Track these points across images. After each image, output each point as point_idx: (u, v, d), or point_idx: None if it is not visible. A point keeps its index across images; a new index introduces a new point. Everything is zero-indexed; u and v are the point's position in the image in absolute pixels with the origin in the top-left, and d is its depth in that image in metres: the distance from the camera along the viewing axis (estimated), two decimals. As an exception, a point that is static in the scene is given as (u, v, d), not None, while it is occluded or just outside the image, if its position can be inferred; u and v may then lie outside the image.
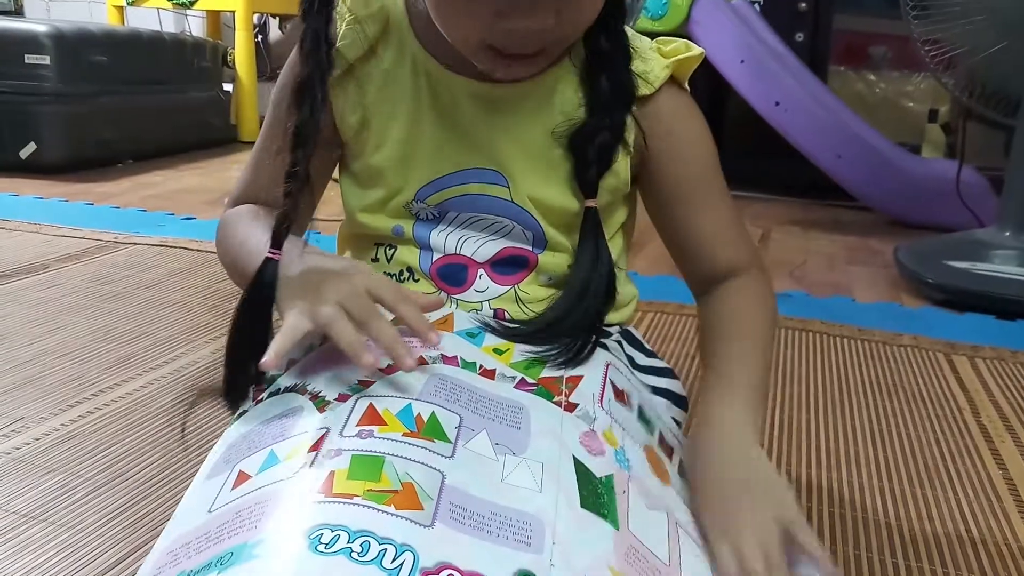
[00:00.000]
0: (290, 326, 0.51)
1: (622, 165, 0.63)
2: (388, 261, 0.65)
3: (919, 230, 1.91)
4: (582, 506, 0.46)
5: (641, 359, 0.70)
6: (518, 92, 0.61)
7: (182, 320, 1.14)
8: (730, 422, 0.57)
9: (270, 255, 0.56)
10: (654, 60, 0.63)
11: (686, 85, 0.65)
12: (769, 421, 0.91)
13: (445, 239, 0.63)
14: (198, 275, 1.35)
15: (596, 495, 0.47)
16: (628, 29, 0.63)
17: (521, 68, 0.56)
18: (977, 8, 1.42)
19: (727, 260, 0.67)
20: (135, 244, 1.52)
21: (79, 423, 0.83)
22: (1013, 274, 1.41)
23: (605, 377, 0.58)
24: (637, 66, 0.62)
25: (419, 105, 0.62)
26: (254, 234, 0.61)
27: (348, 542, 0.38)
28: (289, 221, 0.56)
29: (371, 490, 0.41)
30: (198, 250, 1.49)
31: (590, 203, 0.62)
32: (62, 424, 0.83)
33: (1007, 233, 1.50)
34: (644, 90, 0.62)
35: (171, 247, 1.51)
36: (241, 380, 0.56)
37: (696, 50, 0.64)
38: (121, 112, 2.34)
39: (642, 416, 0.59)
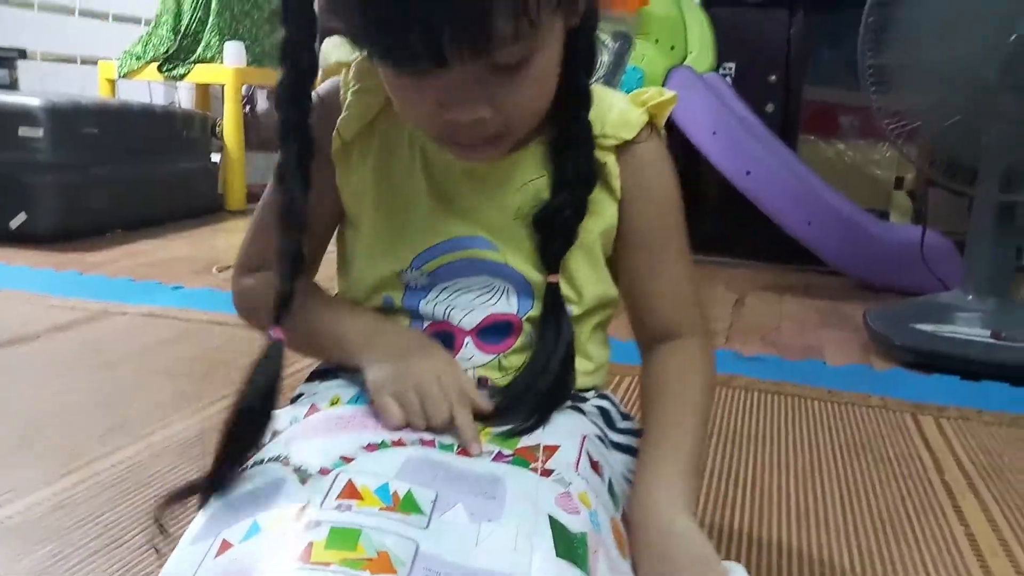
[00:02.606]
0: (384, 409, 0.59)
1: (610, 210, 0.66)
2: None
3: (888, 293, 1.97)
4: (558, 556, 0.48)
5: (619, 422, 0.73)
6: (501, 170, 0.64)
7: (171, 389, 1.16)
8: (656, 498, 0.59)
9: (274, 335, 0.57)
10: (630, 109, 0.66)
11: (663, 132, 0.68)
12: (742, 483, 0.95)
13: (433, 308, 0.65)
14: (187, 344, 1.38)
15: (572, 547, 0.50)
16: (603, 87, 0.66)
17: (477, 154, 0.58)
18: (933, 83, 1.51)
19: (672, 318, 0.69)
20: (124, 314, 1.55)
21: (71, 491, 0.85)
22: (976, 336, 1.47)
23: (582, 448, 0.60)
24: (616, 117, 0.65)
25: (414, 177, 0.64)
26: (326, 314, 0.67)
27: None
28: (286, 301, 0.58)
29: (347, 559, 0.44)
30: (187, 319, 1.52)
31: (552, 279, 0.64)
32: (54, 493, 0.85)
33: (970, 296, 1.56)
34: (624, 136, 0.64)
35: (160, 316, 1.54)
36: (232, 465, 0.55)
37: (669, 94, 0.67)
38: (112, 182, 2.39)
39: (611, 490, 0.61)
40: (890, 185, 2.54)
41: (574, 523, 0.51)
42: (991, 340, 1.46)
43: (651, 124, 0.67)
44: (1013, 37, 1.33)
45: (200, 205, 2.81)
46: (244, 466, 0.56)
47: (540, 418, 0.61)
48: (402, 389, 0.60)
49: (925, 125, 1.54)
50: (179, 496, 0.55)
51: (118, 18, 3.26)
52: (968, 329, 1.49)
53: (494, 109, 0.53)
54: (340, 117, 0.64)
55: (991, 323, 1.49)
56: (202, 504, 0.53)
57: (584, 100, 0.62)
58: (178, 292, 1.75)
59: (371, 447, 0.54)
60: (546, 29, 0.52)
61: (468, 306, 0.65)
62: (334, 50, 0.63)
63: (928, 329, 1.51)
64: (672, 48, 2.19)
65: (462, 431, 0.58)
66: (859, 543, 0.82)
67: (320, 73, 0.61)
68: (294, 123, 0.58)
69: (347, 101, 0.64)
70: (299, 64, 0.57)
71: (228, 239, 2.49)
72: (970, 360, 1.41)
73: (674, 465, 0.61)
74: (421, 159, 0.64)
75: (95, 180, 2.33)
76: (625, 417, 0.74)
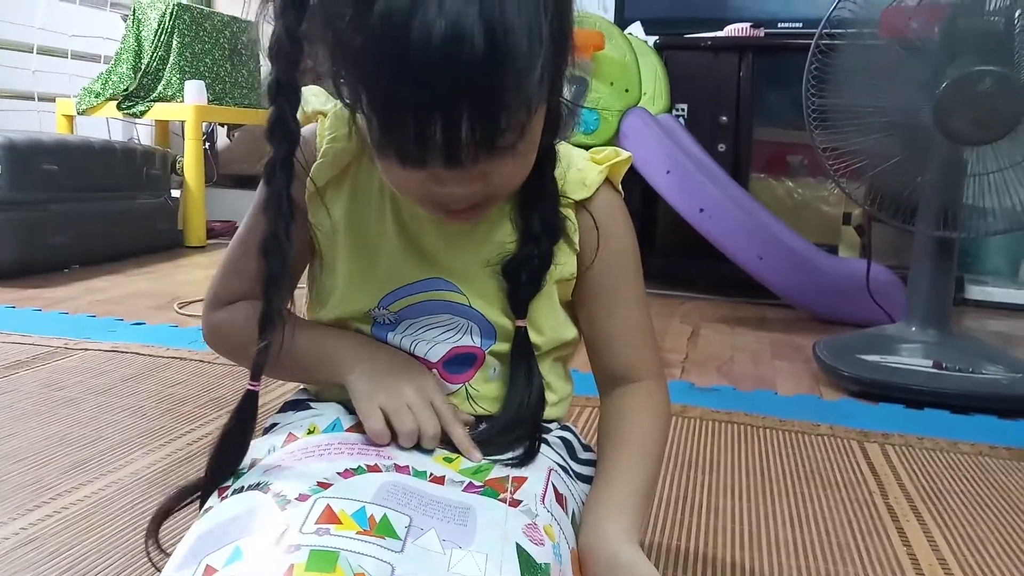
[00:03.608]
0: (370, 417, 0.63)
1: (570, 260, 0.70)
2: None
3: (838, 325, 2.03)
4: None
5: (580, 452, 0.77)
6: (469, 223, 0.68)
7: (136, 424, 1.17)
8: (605, 528, 0.63)
9: (250, 387, 0.60)
10: (589, 168, 0.70)
11: (619, 187, 0.73)
12: (697, 507, 0.98)
13: (400, 340, 0.69)
14: (150, 380, 1.39)
15: (535, 574, 0.54)
16: (565, 144, 0.70)
17: (462, 218, 0.62)
18: (872, 126, 1.59)
19: (628, 362, 0.73)
20: (86, 350, 1.55)
21: (39, 526, 0.86)
22: (919, 365, 1.53)
23: (547, 480, 0.64)
24: (575, 175, 0.69)
25: (383, 222, 0.68)
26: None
27: None
28: (265, 361, 0.60)
29: None
30: (149, 355, 1.53)
31: (520, 323, 0.68)
32: (22, 528, 0.86)
33: (913, 328, 1.63)
34: (583, 193, 0.69)
35: (122, 352, 1.54)
36: (216, 484, 0.61)
37: (624, 154, 0.72)
38: (71, 218, 2.38)
39: (574, 522, 0.65)
40: (838, 220, 2.63)
41: (539, 554, 0.55)
42: (933, 370, 1.53)
43: (608, 181, 0.72)
44: (944, 85, 1.41)
45: (160, 241, 2.81)
46: (224, 495, 0.58)
47: (529, 455, 0.65)
48: (392, 401, 0.64)
49: (866, 165, 1.62)
50: (172, 503, 0.62)
51: (77, 55, 3.26)
52: (911, 360, 1.56)
53: (487, 184, 0.57)
54: (315, 163, 0.67)
55: (932, 354, 1.56)
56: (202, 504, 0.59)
57: (550, 158, 0.66)
58: (140, 328, 1.75)
59: (347, 473, 0.57)
60: (539, 112, 0.57)
61: (433, 340, 0.69)
62: (312, 98, 0.67)
63: (874, 360, 1.58)
64: (627, 90, 2.26)
65: (460, 442, 0.64)
66: (808, 563, 0.86)
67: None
68: (283, 157, 0.59)
69: (322, 148, 0.67)
70: (290, 104, 0.58)
71: (188, 275, 2.49)
72: (913, 389, 1.47)
73: (623, 500, 0.65)
74: (391, 206, 0.68)
75: (54, 216, 2.32)
76: (586, 448, 0.77)
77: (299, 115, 0.63)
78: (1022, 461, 1.19)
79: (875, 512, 1.00)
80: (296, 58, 0.56)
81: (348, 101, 0.55)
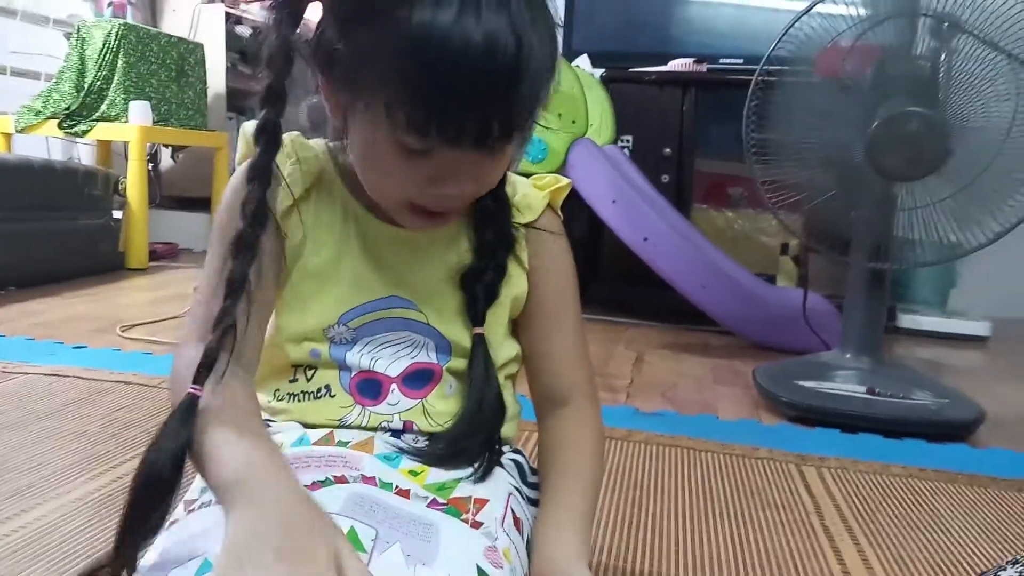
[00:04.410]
0: None
1: (521, 279, 0.74)
2: (308, 380, 0.71)
3: (777, 352, 2.10)
4: None
5: (529, 476, 0.79)
6: (427, 238, 0.71)
7: (80, 449, 1.15)
8: (554, 554, 0.65)
9: (192, 391, 0.56)
10: (533, 193, 0.75)
11: (559, 211, 0.78)
12: (641, 528, 1.01)
13: (359, 359, 0.70)
14: (94, 404, 1.36)
15: None
16: (509, 172, 0.73)
17: (438, 222, 0.66)
18: (809, 161, 1.66)
19: (567, 382, 0.76)
20: (26, 374, 1.51)
21: (-20, 553, 0.85)
22: (853, 392, 1.59)
23: (507, 504, 0.66)
24: (521, 200, 0.74)
25: (347, 241, 0.70)
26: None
27: None
28: (213, 362, 0.57)
29: None
30: (92, 379, 1.50)
31: (478, 330, 0.71)
32: (-38, 555, 0.84)
33: (848, 355, 1.69)
34: (529, 216, 0.74)
35: (64, 376, 1.51)
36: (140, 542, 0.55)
37: (564, 181, 0.78)
38: (8, 239, 2.33)
39: (528, 546, 0.67)
40: (776, 251, 2.71)
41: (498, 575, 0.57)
42: (866, 396, 1.59)
43: (550, 205, 0.76)
44: (875, 124, 1.48)
45: (101, 263, 2.76)
46: (192, 509, 0.59)
47: (487, 468, 0.67)
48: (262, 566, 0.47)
49: (803, 198, 1.68)
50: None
51: (16, 72, 3.20)
52: (846, 386, 1.62)
53: (475, 183, 0.61)
54: (285, 182, 0.68)
55: (866, 380, 1.62)
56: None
57: (503, 178, 0.70)
58: (81, 352, 1.71)
59: (315, 485, 0.58)
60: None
61: (392, 357, 0.71)
62: None
63: (810, 386, 1.63)
64: (574, 122, 2.32)
65: None
66: (748, 582, 0.89)
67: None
68: (268, 160, 0.62)
69: (287, 171, 0.69)
70: (278, 109, 0.62)
71: (130, 298, 2.44)
72: (848, 414, 1.53)
73: (570, 523, 0.68)
74: (355, 227, 0.70)
75: (-9, 237, 2.27)
76: (534, 472, 0.80)
77: (243, 145, 0.67)
78: (950, 483, 1.24)
79: (812, 532, 1.04)
80: (289, 66, 0.60)
81: (363, 99, 0.58)
